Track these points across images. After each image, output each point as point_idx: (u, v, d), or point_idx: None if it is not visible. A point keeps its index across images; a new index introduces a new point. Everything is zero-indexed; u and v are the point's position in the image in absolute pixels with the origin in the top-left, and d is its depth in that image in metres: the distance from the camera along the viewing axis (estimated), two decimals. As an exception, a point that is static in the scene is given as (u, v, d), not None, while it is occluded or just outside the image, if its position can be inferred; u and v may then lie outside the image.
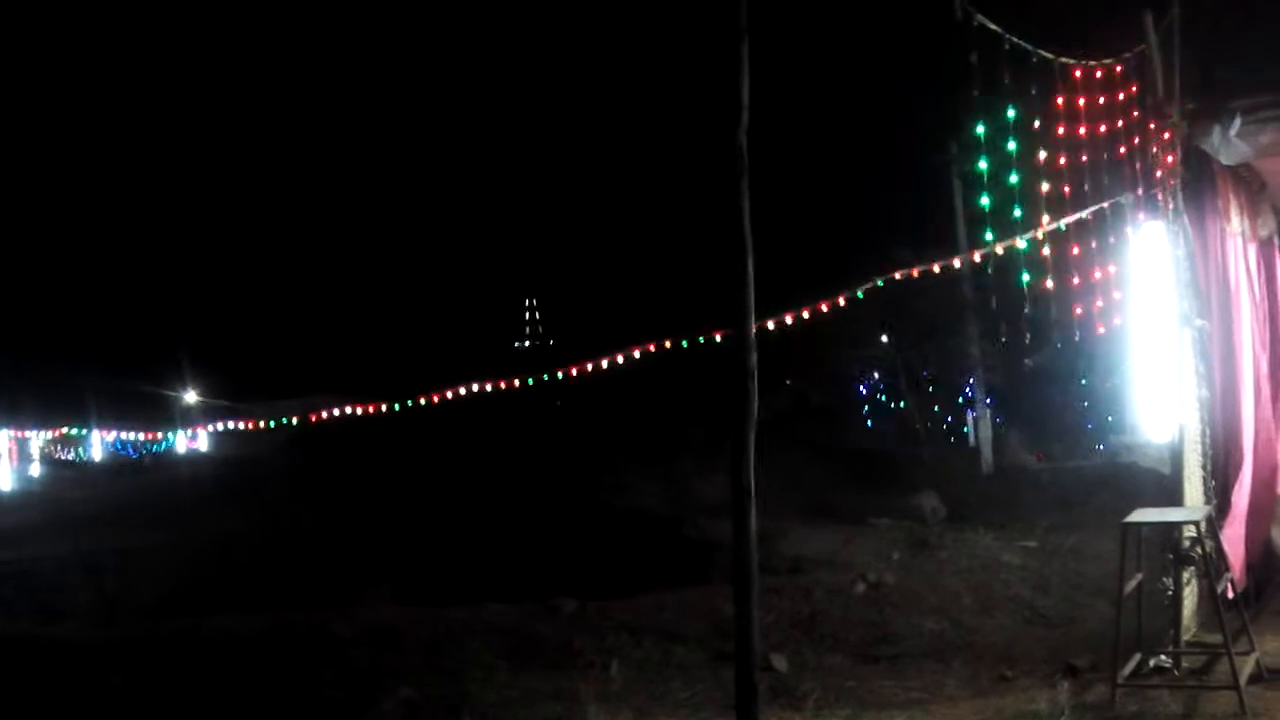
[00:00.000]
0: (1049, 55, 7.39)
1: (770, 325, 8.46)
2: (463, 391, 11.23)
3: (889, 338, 20.51)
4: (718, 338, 9.46)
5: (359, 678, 8.32)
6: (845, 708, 6.91)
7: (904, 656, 7.95)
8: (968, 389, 20.08)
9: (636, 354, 9.46)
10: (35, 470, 34.08)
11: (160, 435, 27.47)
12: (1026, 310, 8.42)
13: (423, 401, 11.60)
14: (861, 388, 23.34)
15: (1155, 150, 7.23)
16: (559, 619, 9.79)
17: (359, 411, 12.84)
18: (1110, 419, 17.42)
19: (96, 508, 24.70)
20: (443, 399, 11.58)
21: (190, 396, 39.53)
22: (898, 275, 8.46)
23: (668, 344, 9.96)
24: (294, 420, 12.54)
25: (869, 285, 8.27)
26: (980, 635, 8.39)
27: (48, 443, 32.63)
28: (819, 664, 7.96)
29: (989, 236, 7.78)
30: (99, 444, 35.18)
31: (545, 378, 10.52)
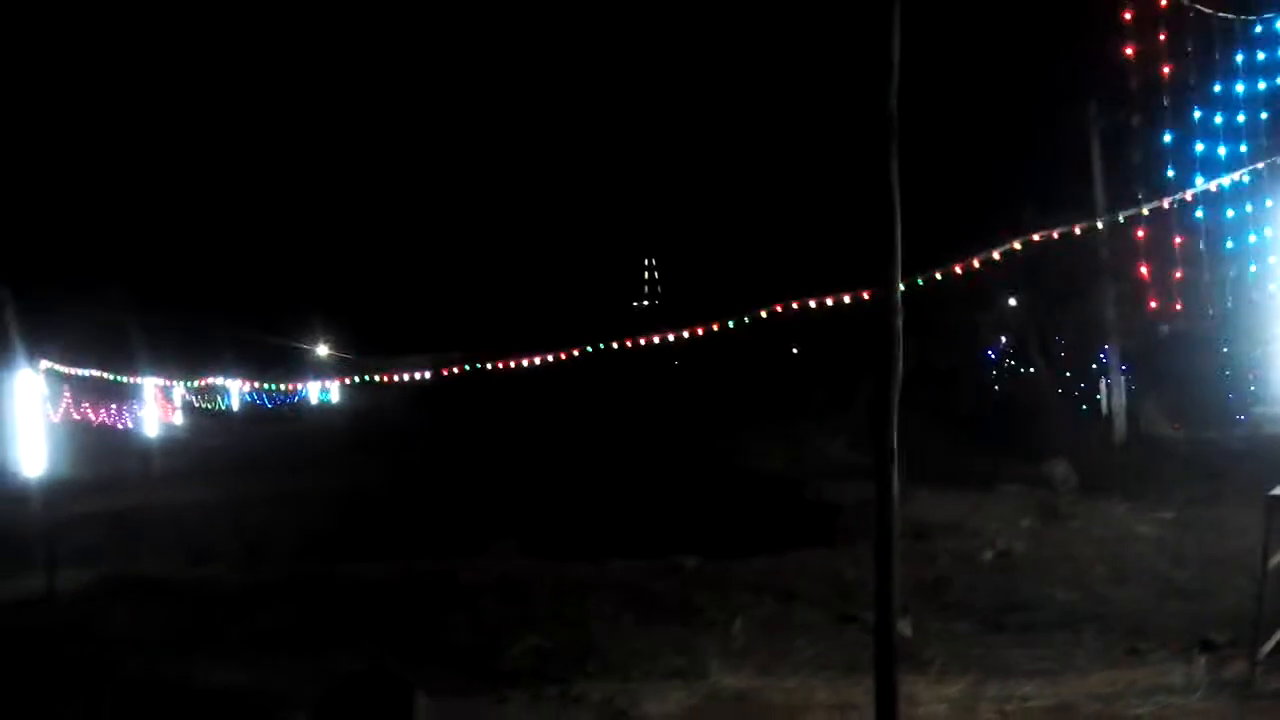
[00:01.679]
0: (1206, 9, 7.09)
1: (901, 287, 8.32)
2: (589, 349, 11.38)
3: (1020, 300, 19.98)
4: (846, 299, 9.39)
5: (487, 624, 8.57)
6: (970, 674, 6.84)
7: (1033, 626, 7.83)
8: (1102, 355, 19.44)
9: (764, 314, 9.45)
10: (179, 419, 35.73)
11: (296, 386, 28.57)
12: (1179, 275, 8.14)
13: (549, 359, 11.79)
14: (990, 351, 22.83)
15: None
16: (681, 576, 9.91)
17: (486, 367, 13.13)
18: (1253, 389, 16.69)
19: (236, 456, 25.81)
20: (569, 356, 11.76)
21: (322, 350, 40.98)
22: (1035, 237, 8.22)
23: (795, 305, 9.92)
24: (426, 374, 12.90)
25: (1006, 248, 8.05)
26: (1112, 607, 8.21)
27: (190, 391, 34.20)
28: (944, 630, 7.90)
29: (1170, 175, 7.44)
30: (237, 394, 36.75)
31: (671, 338, 10.59)
